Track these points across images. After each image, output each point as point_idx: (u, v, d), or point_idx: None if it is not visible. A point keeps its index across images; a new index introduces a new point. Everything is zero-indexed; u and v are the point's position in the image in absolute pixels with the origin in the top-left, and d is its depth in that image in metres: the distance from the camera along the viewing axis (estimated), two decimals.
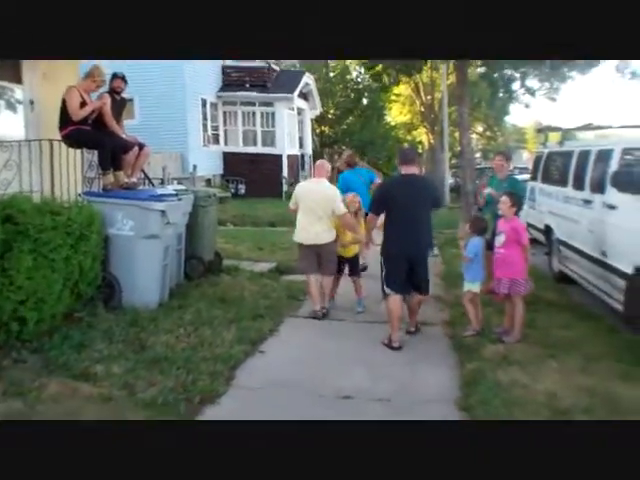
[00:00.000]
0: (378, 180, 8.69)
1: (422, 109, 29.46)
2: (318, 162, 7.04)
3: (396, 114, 35.44)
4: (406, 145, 30.87)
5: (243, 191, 20.63)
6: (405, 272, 5.70)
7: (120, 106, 7.48)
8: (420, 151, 32.91)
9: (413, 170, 5.86)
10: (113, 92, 7.30)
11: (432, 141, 29.03)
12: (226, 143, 21.93)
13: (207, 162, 19.73)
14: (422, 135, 34.41)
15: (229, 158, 21.49)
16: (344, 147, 30.79)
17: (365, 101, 32.68)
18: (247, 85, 21.75)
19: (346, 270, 6.94)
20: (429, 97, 28.39)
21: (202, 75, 19.85)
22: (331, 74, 31.63)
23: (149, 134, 12.30)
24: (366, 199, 6.94)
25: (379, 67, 17.61)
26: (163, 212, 6.22)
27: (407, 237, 5.65)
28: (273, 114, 21.86)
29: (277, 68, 23.10)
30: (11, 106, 7.65)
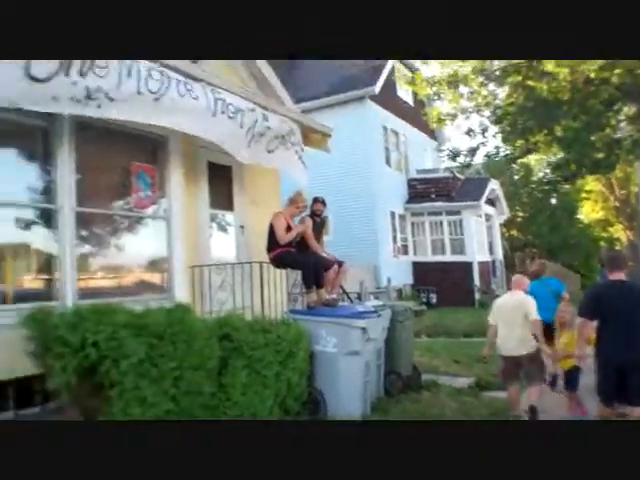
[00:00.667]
0: (565, 294, 8.21)
1: (617, 204, 27.84)
2: (515, 277, 7.02)
3: (588, 211, 33.79)
4: (606, 245, 29.14)
5: (434, 300, 20.47)
6: (619, 380, 5.28)
7: (320, 226, 7.97)
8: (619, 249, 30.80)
9: (620, 275, 5.55)
10: (314, 215, 7.82)
11: (631, 238, 27.11)
12: (415, 253, 22.16)
13: (397, 272, 20.01)
14: (619, 232, 32.33)
15: (419, 268, 21.63)
16: (534, 250, 29.75)
17: (554, 201, 31.62)
18: (433, 196, 22.10)
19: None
20: (623, 191, 26.83)
21: (390, 189, 20.56)
22: (515, 177, 31.13)
23: (343, 248, 12.86)
24: (553, 311, 6.86)
25: (571, 166, 17.11)
26: (364, 329, 6.35)
27: (620, 343, 5.24)
28: (460, 222, 21.84)
29: (461, 177, 23.29)
30: (224, 231, 8.42)
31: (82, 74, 4.88)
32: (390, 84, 20.72)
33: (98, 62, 5.01)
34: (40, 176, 5.69)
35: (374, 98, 19.86)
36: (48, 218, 5.67)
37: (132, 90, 5.32)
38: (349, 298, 8.56)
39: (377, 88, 19.59)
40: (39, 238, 5.72)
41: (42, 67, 4.60)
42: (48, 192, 5.65)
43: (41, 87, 4.66)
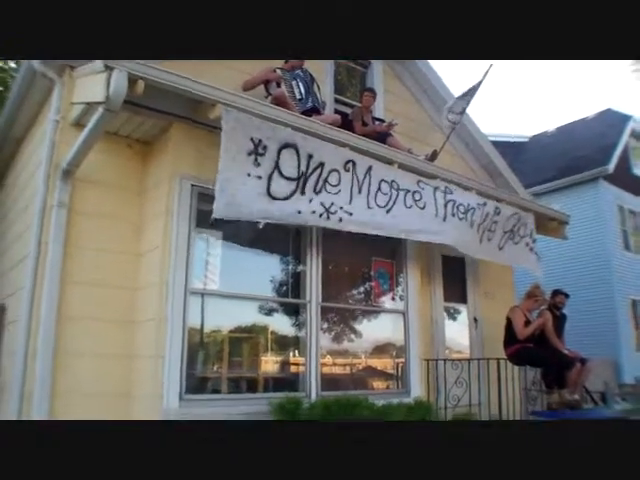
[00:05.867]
0: None
1: None
2: None
3: None
4: None
5: None
6: None
7: (560, 321, 7.61)
8: None
9: None
10: (553, 308, 7.50)
11: None
12: None
13: None
14: None
15: None
16: None
17: None
18: None
19: None
20: None
21: (630, 276, 18.99)
22: None
23: (579, 343, 12.04)
24: None
25: None
26: None
27: None
28: None
29: None
30: (458, 324, 8.37)
31: (316, 192, 5.37)
32: (623, 160, 19.50)
33: (329, 180, 5.48)
34: (291, 273, 6.21)
35: (607, 177, 18.79)
36: (295, 311, 6.10)
37: (363, 205, 5.75)
38: (593, 400, 7.94)
39: (612, 167, 18.54)
40: (286, 329, 6.17)
41: (280, 188, 5.10)
42: (296, 287, 6.11)
43: (283, 204, 5.15)
